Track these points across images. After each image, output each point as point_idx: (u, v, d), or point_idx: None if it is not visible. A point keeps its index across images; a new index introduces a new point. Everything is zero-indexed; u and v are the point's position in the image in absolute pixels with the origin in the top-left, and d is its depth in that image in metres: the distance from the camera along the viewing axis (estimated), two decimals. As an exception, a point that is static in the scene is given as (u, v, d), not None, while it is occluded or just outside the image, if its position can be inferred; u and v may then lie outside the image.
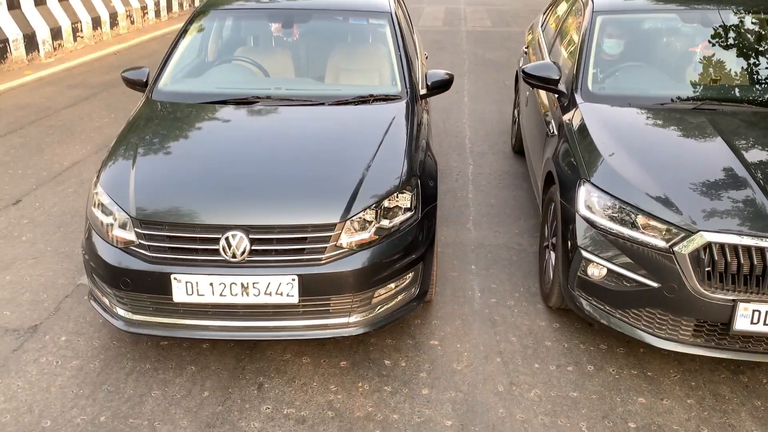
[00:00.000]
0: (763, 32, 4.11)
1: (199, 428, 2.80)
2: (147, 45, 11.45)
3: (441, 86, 3.96)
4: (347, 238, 2.91)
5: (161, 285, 2.88)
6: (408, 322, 3.51)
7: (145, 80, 3.98)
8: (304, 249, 2.87)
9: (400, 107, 3.64)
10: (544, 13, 5.93)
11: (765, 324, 2.75)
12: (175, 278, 2.85)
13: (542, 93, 4.38)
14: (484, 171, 5.69)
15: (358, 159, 3.17)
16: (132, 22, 12.52)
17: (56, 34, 10.23)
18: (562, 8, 5.21)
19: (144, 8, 13.00)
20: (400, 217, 3.06)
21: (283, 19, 4.20)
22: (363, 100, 3.69)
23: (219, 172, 3.10)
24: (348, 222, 2.90)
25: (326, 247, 2.88)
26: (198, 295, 2.87)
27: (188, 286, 2.86)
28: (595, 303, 3.11)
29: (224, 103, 3.64)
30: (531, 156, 4.64)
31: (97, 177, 3.19)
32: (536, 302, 3.75)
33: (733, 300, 2.75)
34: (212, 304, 2.90)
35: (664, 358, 3.26)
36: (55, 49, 10.18)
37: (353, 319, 3.00)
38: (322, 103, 3.64)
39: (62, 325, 3.48)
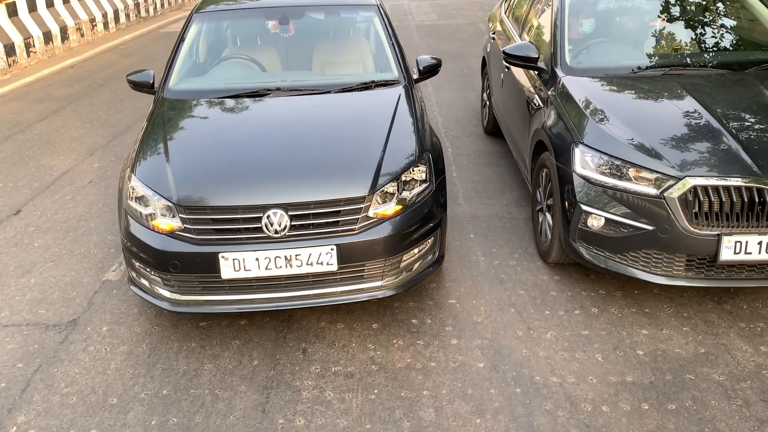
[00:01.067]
0: (707, 5, 4.59)
1: (257, 391, 3.05)
2: (102, 57, 11.40)
3: (431, 70, 4.29)
4: (375, 209, 3.20)
5: (209, 264, 3.11)
6: (425, 285, 3.83)
7: (151, 82, 4.16)
8: (338, 221, 3.15)
9: (400, 91, 3.95)
10: (506, 1, 6.33)
11: (746, 253, 3.18)
12: (222, 257, 3.09)
13: (520, 72, 4.75)
14: (462, 152, 6.05)
15: (374, 139, 3.47)
16: (82, 35, 12.42)
17: (10, 50, 10.12)
18: (526, -5, 5.61)
19: (93, 21, 12.90)
20: (417, 189, 3.37)
21: (279, 16, 4.45)
22: (366, 86, 3.98)
23: (251, 157, 3.34)
24: (375, 194, 3.20)
25: (358, 218, 3.16)
26: (245, 270, 3.11)
27: (235, 263, 3.10)
28: (596, 251, 3.50)
29: (237, 97, 3.87)
30: (512, 132, 5.02)
31: (132, 172, 3.38)
32: (536, 260, 4.12)
33: (718, 234, 3.17)
34: (258, 278, 3.15)
35: (657, 296, 3.67)
36: (9, 65, 10.07)
37: (384, 282, 3.29)
38: (329, 91, 3.92)
39: (100, 317, 3.65)
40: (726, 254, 3.19)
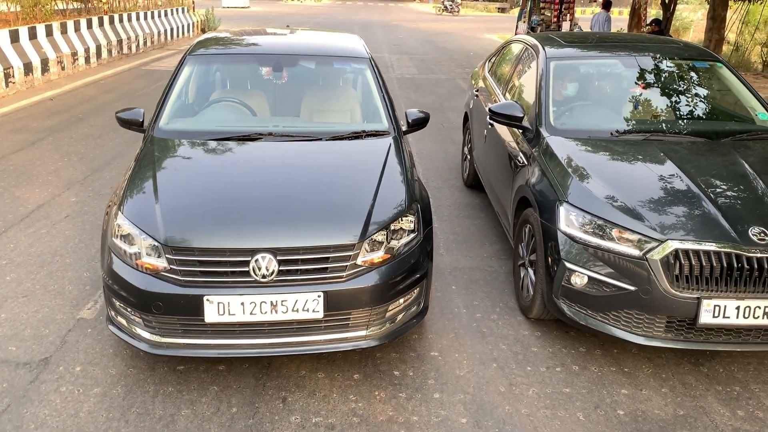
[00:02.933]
0: (686, 75, 4.80)
1: (236, 440, 2.97)
2: (82, 91, 11.36)
3: (419, 123, 4.37)
4: (363, 257, 3.21)
5: (193, 307, 3.06)
6: (408, 336, 3.81)
7: (141, 120, 4.16)
8: (327, 268, 3.15)
9: (390, 142, 4.01)
10: (488, 61, 6.52)
11: (724, 317, 3.25)
12: (207, 299, 3.05)
13: (504, 129, 4.87)
14: (443, 203, 6.12)
15: (365, 187, 3.50)
16: (63, 68, 12.39)
17: (-12, 79, 10.03)
18: (510, 57, 5.80)
19: (74, 54, 12.90)
20: (405, 238, 3.39)
21: (273, 63, 4.52)
22: (356, 135, 4.03)
23: (242, 200, 3.34)
24: (365, 242, 3.21)
25: (347, 265, 3.17)
26: (229, 314, 3.08)
27: (220, 307, 3.06)
28: (577, 308, 3.54)
29: (228, 139, 3.89)
30: (494, 186, 5.10)
31: (119, 209, 3.34)
32: (516, 315, 4.14)
33: (698, 297, 3.24)
34: (242, 323, 3.11)
35: (636, 355, 3.71)
36: (-14, 94, 9.96)
37: (370, 332, 3.28)
38: (320, 139, 3.96)
39: (73, 357, 3.55)
40: (705, 317, 3.25)
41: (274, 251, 3.09)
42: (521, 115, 4.46)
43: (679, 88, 4.68)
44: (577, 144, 4.10)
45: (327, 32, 5.54)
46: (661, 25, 14.02)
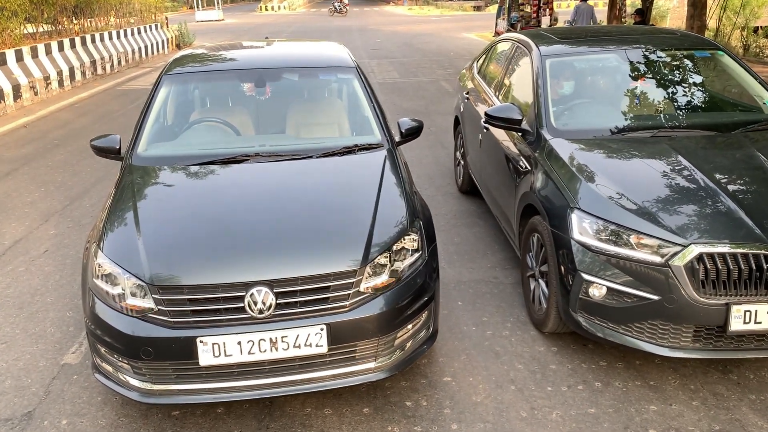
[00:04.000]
0: (688, 66, 4.60)
1: (241, 493, 2.72)
2: (57, 115, 11.04)
3: (413, 132, 4.14)
4: (366, 283, 2.97)
5: (186, 350, 2.81)
6: (417, 362, 3.57)
7: (117, 147, 3.89)
8: (328, 298, 2.90)
9: (384, 155, 3.77)
10: (477, 62, 6.30)
11: (756, 322, 3.04)
12: (201, 341, 2.80)
13: (501, 133, 4.65)
14: (439, 212, 5.88)
15: (362, 207, 3.26)
16: (36, 93, 12.05)
17: (-41, 109, 9.69)
18: (500, 57, 5.58)
19: (47, 78, 12.56)
20: (410, 259, 3.15)
21: (255, 78, 4.26)
22: (348, 150, 3.79)
23: (232, 229, 3.08)
24: (367, 267, 2.97)
25: (349, 293, 2.92)
26: (226, 356, 2.82)
27: (215, 348, 2.81)
28: (597, 322, 3.32)
29: (213, 163, 3.63)
30: (493, 193, 4.88)
31: (98, 247, 3.08)
32: (529, 329, 3.91)
33: (726, 303, 3.02)
34: (240, 364, 2.85)
35: (660, 366, 3.50)
36: (-43, 125, 9.62)
37: (378, 363, 3.03)
38: (310, 156, 3.71)
39: (59, 408, 3.28)
40: (736, 324, 3.04)
41: (270, 283, 2.85)
42: (520, 118, 4.24)
43: (682, 80, 4.48)
44: (583, 145, 3.89)
45: (308, 42, 5.30)
46: (643, 15, 13.94)
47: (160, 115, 4.08)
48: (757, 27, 19.60)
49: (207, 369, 2.86)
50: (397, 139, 4.12)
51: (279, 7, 52.78)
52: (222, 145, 3.91)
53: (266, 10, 52.39)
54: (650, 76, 4.49)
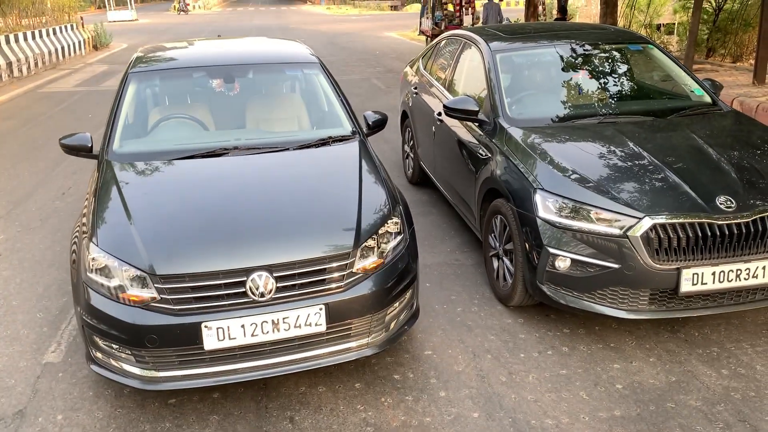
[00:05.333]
0: (624, 58, 5.03)
1: (253, 468, 2.85)
2: (-22, 120, 10.55)
3: (379, 125, 4.35)
4: (358, 264, 3.16)
5: (191, 336, 2.91)
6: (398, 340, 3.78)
7: (89, 145, 3.90)
8: (325, 279, 3.07)
9: (357, 146, 3.96)
10: (423, 58, 6.57)
11: (702, 284, 3.43)
12: (205, 326, 2.91)
13: (456, 124, 4.92)
14: (393, 203, 6.11)
15: (348, 194, 3.44)
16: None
17: None
18: (447, 53, 5.87)
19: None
20: (393, 242, 3.36)
21: (223, 75, 4.35)
22: (323, 142, 3.96)
23: (226, 218, 3.20)
24: (359, 249, 3.16)
25: (344, 274, 3.10)
26: (230, 339, 2.95)
27: (219, 332, 2.93)
28: (563, 291, 3.63)
29: (192, 157, 3.71)
30: (450, 181, 5.15)
31: (90, 241, 3.12)
32: (495, 304, 4.21)
33: (677, 268, 3.40)
34: (242, 346, 2.98)
35: (617, 330, 3.86)
36: None
37: (371, 339, 3.23)
38: (287, 149, 3.85)
39: (51, 405, 3.29)
40: (685, 286, 3.42)
41: (270, 268, 2.99)
42: (477, 109, 4.52)
43: (620, 71, 4.89)
44: (538, 132, 4.21)
45: (267, 39, 5.40)
46: (565, 13, 14.69)
47: (130, 113, 4.11)
48: (660, 24, 20.96)
49: (211, 353, 2.97)
50: (366, 131, 4.32)
51: (194, 7, 51.62)
52: (197, 140, 3.99)
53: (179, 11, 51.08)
54: (591, 68, 4.88)
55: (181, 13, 46.16)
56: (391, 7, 49.07)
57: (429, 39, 17.21)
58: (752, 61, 14.40)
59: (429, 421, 3.12)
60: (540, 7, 17.17)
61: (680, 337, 3.79)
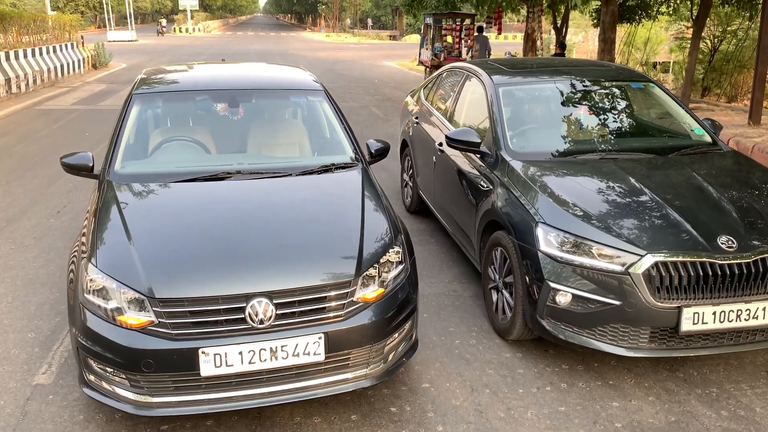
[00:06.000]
0: (625, 95, 5.08)
1: (246, 499, 2.78)
2: (-26, 134, 10.51)
3: (381, 153, 4.35)
4: (360, 292, 3.13)
5: (188, 361, 2.87)
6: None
7: (91, 165, 3.88)
8: (325, 307, 3.04)
9: (360, 174, 3.96)
10: (424, 89, 6.62)
11: (702, 323, 3.41)
12: (203, 352, 2.87)
13: (457, 155, 4.94)
14: (391, 231, 6.09)
15: (350, 221, 3.43)
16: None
17: None
18: (449, 85, 5.92)
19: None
20: (394, 271, 3.34)
21: (227, 99, 4.35)
22: (326, 168, 3.95)
23: (227, 243, 3.17)
24: (360, 278, 3.13)
25: (345, 303, 3.07)
26: (227, 366, 2.90)
27: (216, 359, 2.88)
28: (563, 327, 3.61)
29: (194, 180, 3.69)
30: (450, 212, 5.15)
31: (89, 262, 3.08)
32: (493, 338, 4.17)
33: (678, 307, 3.39)
34: (239, 374, 2.93)
35: (615, 367, 3.83)
36: None
37: (370, 370, 3.19)
38: (289, 174, 3.84)
39: (41, 428, 3.22)
40: (686, 325, 3.40)
41: (270, 295, 2.96)
42: (479, 141, 4.54)
43: (621, 108, 4.94)
44: (540, 166, 4.22)
45: (271, 65, 5.42)
46: (564, 48, 14.90)
47: (133, 134, 4.10)
48: (656, 62, 21.31)
49: (207, 380, 2.92)
50: (368, 159, 4.32)
51: (194, 29, 52.05)
52: (199, 163, 3.98)
53: (180, 31, 51.54)
54: (593, 104, 4.92)
55: (159, 35, 47.82)
56: (390, 36, 49.67)
57: (428, 69, 17.38)
58: (747, 102, 14.63)
59: (426, 456, 3.07)
60: (538, 42, 17.41)
61: (679, 376, 3.76)
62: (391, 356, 3.28)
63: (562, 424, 3.31)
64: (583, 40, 28.50)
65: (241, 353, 2.90)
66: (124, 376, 2.93)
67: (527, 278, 3.74)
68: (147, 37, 45.55)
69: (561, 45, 15.28)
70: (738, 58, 15.48)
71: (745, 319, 3.45)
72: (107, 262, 3.07)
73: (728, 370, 3.82)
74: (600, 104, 4.93)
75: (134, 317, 2.91)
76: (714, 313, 3.41)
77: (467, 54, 17.27)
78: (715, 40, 16.25)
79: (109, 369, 2.96)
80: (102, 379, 3.01)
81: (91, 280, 3.03)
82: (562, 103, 4.90)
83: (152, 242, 3.19)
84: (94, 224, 3.35)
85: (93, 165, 3.90)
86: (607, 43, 14.22)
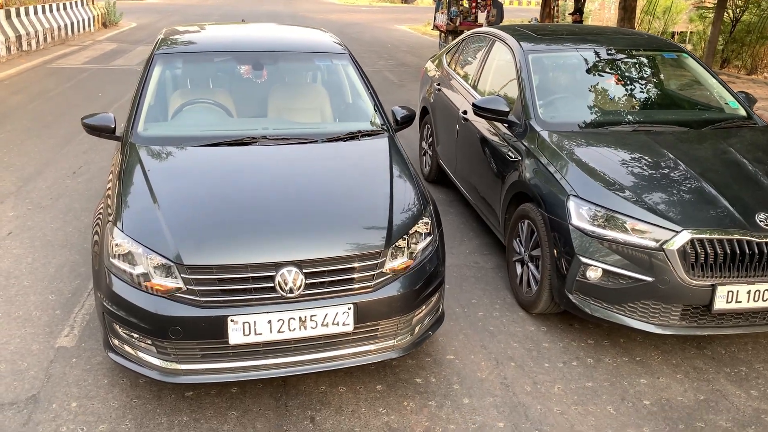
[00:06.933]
0: (658, 66, 4.94)
1: (274, 468, 2.77)
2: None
3: (407, 120, 4.24)
4: (390, 264, 3.07)
5: (216, 329, 2.83)
6: (419, 341, 3.70)
7: (112, 126, 3.80)
8: (354, 278, 2.98)
9: (387, 141, 3.86)
10: (447, 54, 6.46)
11: (737, 302, 3.35)
12: (232, 320, 2.82)
13: (483, 124, 4.83)
14: (410, 200, 6.01)
15: (379, 191, 3.35)
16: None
17: None
18: (474, 51, 5.77)
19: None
20: (423, 243, 3.27)
21: (251, 61, 4.24)
22: (352, 135, 3.86)
23: (255, 210, 3.10)
24: (390, 249, 3.07)
25: (374, 274, 3.01)
26: (255, 334, 2.86)
27: (245, 327, 2.84)
28: (593, 302, 3.55)
29: (219, 144, 3.61)
30: (473, 182, 5.05)
31: (115, 225, 3.02)
32: (517, 310, 4.12)
33: (712, 285, 3.32)
34: (268, 342, 2.89)
35: (642, 343, 3.78)
36: None
37: (397, 341, 3.14)
38: (315, 141, 3.75)
39: (65, 391, 3.20)
40: (719, 303, 3.34)
41: (300, 264, 2.90)
42: (507, 110, 4.43)
43: (654, 79, 4.80)
44: (571, 137, 4.12)
45: (293, 26, 5.28)
46: (581, 15, 14.60)
47: (156, 95, 4.00)
48: (674, 32, 20.87)
49: (234, 348, 2.89)
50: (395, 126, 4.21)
51: (203, -11, 51.17)
52: (223, 127, 3.89)
53: (190, -9, 50.70)
54: (625, 74, 4.78)
55: None
56: (403, 0, 48.80)
57: (443, 34, 17.06)
58: (767, 74, 14.34)
59: (453, 429, 3.04)
60: (555, 8, 17.04)
61: (707, 354, 3.71)
62: (417, 328, 3.23)
63: (590, 400, 3.28)
64: (599, 7, 27.93)
65: (270, 322, 2.86)
66: (150, 343, 2.90)
67: (556, 252, 3.67)
68: (156, -4, 44.89)
69: (579, 11, 14.93)
70: (760, 29, 15.11)
71: (780, 299, 3.38)
72: (134, 227, 3.01)
73: (757, 349, 3.77)
74: (632, 74, 4.80)
75: (161, 283, 2.86)
76: (748, 292, 3.34)
77: (485, 19, 16.94)
78: (738, 10, 15.86)
79: (135, 335, 2.92)
80: (129, 345, 2.98)
81: (116, 244, 2.98)
82: (593, 73, 4.76)
83: (179, 207, 3.12)
84: (118, 187, 3.28)
85: (115, 126, 3.82)
86: (627, 11, 13.91)
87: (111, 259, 2.98)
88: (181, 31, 4.71)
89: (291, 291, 2.88)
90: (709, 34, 13.96)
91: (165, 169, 3.43)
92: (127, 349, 2.99)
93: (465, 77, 5.67)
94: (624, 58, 4.88)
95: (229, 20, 25.96)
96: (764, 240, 3.32)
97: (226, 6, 37.20)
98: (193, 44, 4.41)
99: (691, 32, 20.49)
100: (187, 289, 2.84)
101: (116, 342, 3.02)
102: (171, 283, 2.85)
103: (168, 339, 2.84)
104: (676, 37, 20.74)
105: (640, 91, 4.68)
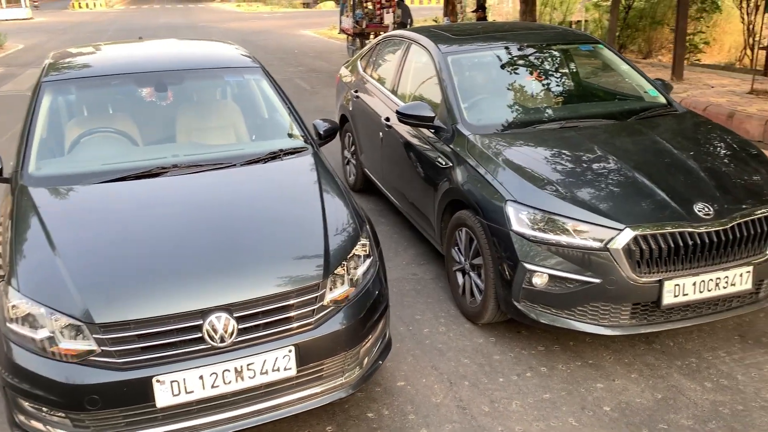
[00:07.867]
0: (576, 59, 4.90)
1: None
2: None
3: (331, 134, 3.99)
4: (330, 295, 2.82)
5: (141, 393, 2.49)
6: (366, 370, 3.46)
7: (-1, 167, 3.35)
8: (292, 317, 2.71)
9: (312, 159, 3.59)
10: (361, 60, 6.24)
11: (683, 295, 3.29)
12: (157, 380, 2.49)
13: (407, 130, 4.64)
14: (337, 213, 5.76)
15: (310, 215, 3.08)
16: None
17: None
18: (389, 55, 5.58)
19: None
20: (363, 266, 3.03)
21: (154, 82, 3.85)
22: (274, 155, 3.56)
23: (172, 250, 2.77)
24: (329, 279, 2.81)
25: (314, 309, 2.75)
26: (186, 393, 2.54)
27: (174, 386, 2.52)
28: (540, 309, 3.42)
29: (125, 179, 3.24)
30: (404, 191, 4.84)
31: (9, 285, 2.62)
32: (462, 322, 3.95)
33: (659, 280, 3.25)
34: (201, 399, 2.58)
35: (591, 344, 3.69)
36: None
37: (346, 378, 2.89)
38: (233, 165, 3.44)
39: (-33, 481, 2.77)
40: (667, 298, 3.27)
41: (229, 308, 2.60)
42: (432, 115, 4.25)
43: (575, 72, 4.75)
44: (501, 138, 3.98)
45: (197, 41, 4.91)
46: (484, 11, 14.74)
47: (46, 128, 3.56)
48: (571, 21, 21.55)
49: (164, 410, 2.55)
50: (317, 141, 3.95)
51: (95, 4, 49.02)
52: (127, 158, 3.50)
53: (80, 7, 48.44)
54: (546, 70, 4.71)
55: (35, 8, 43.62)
56: (304, 4, 48.33)
57: (350, 37, 16.87)
58: (661, 57, 14.98)
59: (414, 466, 2.82)
60: (458, 5, 17.18)
61: (657, 348, 3.65)
62: (366, 360, 2.99)
63: (551, 413, 3.14)
64: (498, 1, 28.51)
65: (201, 377, 2.55)
66: (64, 416, 2.52)
67: (498, 260, 3.52)
68: (46, 15, 42.49)
69: (481, 7, 15.07)
70: (651, 14, 15.75)
71: (724, 287, 3.36)
72: (32, 284, 2.61)
73: (702, 338, 3.75)
74: (553, 70, 4.73)
75: (70, 347, 2.49)
76: (694, 284, 3.30)
77: (391, 20, 16.87)
78: (630, -3, 16.48)
79: (45, 409, 2.54)
80: (39, 421, 2.58)
81: (13, 306, 2.58)
82: (515, 71, 4.66)
83: (84, 257, 2.74)
84: (11, 239, 2.86)
85: (2, 167, 3.37)
86: (528, 3, 14.15)
87: (8, 324, 2.58)
88: (72, 53, 4.26)
89: (222, 339, 2.57)
90: (606, 22, 14.40)
91: (64, 213, 3.03)
92: (36, 425, 2.59)
93: (383, 82, 5.46)
94: (543, 55, 4.81)
95: (126, 36, 24.81)
96: (705, 230, 3.28)
97: (121, 20, 35.69)
98: (87, 68, 3.99)
99: (586, 21, 21.23)
100: (102, 350, 2.48)
101: (22, 418, 2.62)
102: (82, 345, 2.49)
103: (84, 410, 2.47)
104: (573, 26, 21.41)
105: (564, 87, 4.62)
